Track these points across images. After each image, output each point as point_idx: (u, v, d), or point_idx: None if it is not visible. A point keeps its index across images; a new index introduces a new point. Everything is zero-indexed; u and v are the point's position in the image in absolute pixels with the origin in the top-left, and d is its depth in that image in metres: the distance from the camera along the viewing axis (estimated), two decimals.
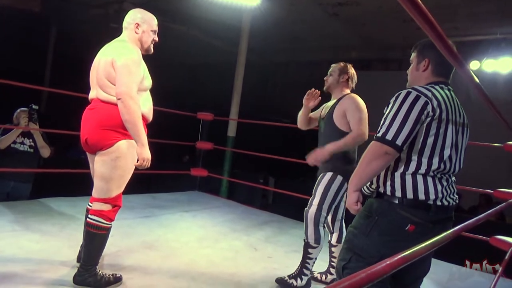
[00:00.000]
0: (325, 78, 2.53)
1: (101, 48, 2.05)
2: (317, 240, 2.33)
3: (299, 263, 2.41)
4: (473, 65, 6.64)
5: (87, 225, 1.96)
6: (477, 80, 1.32)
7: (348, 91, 2.49)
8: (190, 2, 6.43)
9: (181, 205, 4.21)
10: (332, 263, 2.58)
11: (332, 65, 2.54)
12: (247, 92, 6.70)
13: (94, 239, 1.95)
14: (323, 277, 2.59)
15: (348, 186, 1.46)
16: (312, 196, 2.38)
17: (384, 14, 6.33)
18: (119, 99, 1.83)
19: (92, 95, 2.01)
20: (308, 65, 9.34)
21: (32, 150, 3.46)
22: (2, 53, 7.97)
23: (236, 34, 6.69)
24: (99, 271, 2.01)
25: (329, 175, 2.34)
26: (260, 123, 4.94)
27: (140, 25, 2.03)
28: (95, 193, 1.98)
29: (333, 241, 2.57)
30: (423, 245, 0.90)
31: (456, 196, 1.49)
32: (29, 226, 2.77)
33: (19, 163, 3.37)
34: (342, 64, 2.50)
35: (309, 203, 2.38)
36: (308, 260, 2.36)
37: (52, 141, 3.63)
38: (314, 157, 2.32)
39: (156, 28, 2.11)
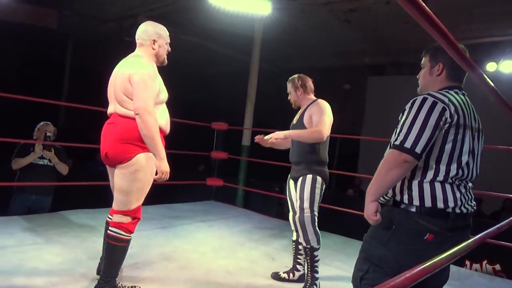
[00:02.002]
0: (288, 98, 2.65)
1: (117, 62, 2.10)
2: (319, 240, 2.40)
3: (307, 271, 2.43)
4: (490, 66, 6.53)
5: (107, 237, 1.99)
6: (491, 83, 1.29)
7: (312, 96, 2.59)
8: (201, 13, 6.51)
9: (197, 215, 4.23)
10: (298, 260, 2.64)
11: (287, 83, 2.65)
12: (261, 100, 6.72)
13: (114, 251, 1.98)
14: (291, 275, 2.63)
15: (366, 196, 1.44)
16: (299, 201, 2.40)
17: (395, 18, 6.29)
18: (137, 114, 1.87)
19: (110, 109, 2.05)
20: (321, 72, 9.32)
21: (52, 164, 3.54)
22: (21, 69, 8.23)
23: (248, 43, 6.74)
24: (119, 283, 2.04)
25: (309, 177, 2.42)
26: (274, 131, 4.93)
27: (156, 41, 2.08)
28: (115, 205, 2.02)
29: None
30: (443, 255, 0.88)
31: (474, 202, 1.45)
32: (50, 238, 2.83)
33: (40, 177, 3.45)
34: (290, 80, 2.62)
35: (298, 208, 2.39)
36: (315, 264, 2.41)
37: (71, 155, 3.71)
38: (275, 136, 2.45)
39: (169, 39, 2.15)
